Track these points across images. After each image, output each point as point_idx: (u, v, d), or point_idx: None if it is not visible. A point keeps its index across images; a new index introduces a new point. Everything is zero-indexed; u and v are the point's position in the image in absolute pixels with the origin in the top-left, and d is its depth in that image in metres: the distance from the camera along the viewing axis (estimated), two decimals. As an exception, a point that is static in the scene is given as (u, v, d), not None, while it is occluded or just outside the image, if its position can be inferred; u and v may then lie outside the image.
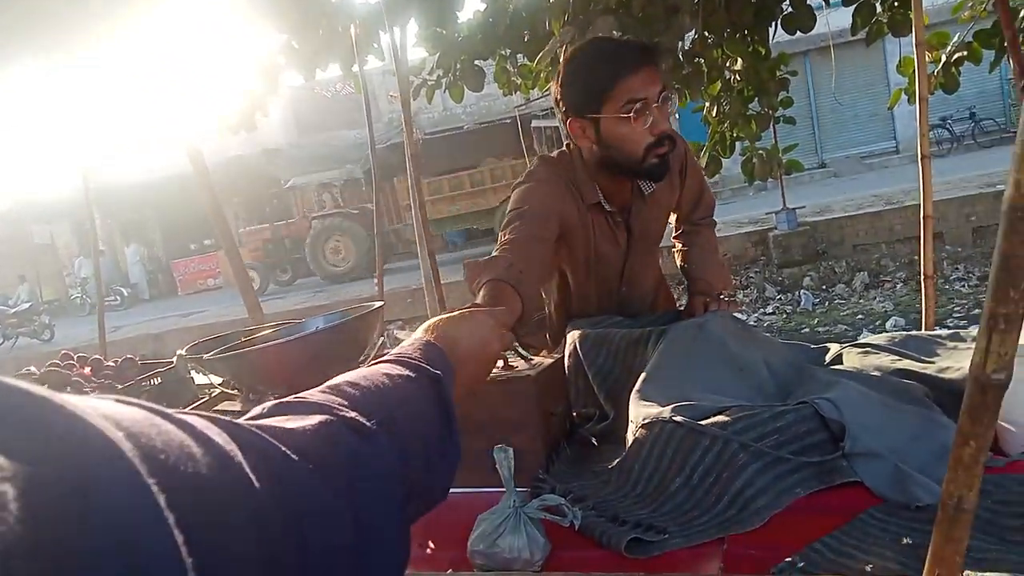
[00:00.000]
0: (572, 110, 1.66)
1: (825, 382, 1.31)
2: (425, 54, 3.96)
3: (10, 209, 19.18)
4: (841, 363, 1.51)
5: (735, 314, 1.70)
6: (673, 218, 2.09)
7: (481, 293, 1.42)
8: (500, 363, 1.45)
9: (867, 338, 1.63)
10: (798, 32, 3.55)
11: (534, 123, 15.02)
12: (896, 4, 3.42)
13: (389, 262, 16.43)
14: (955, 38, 3.60)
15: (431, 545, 1.23)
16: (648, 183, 1.76)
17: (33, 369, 2.43)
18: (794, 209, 10.79)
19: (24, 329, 16.14)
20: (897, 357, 1.45)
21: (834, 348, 1.61)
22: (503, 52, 4.08)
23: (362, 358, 1.72)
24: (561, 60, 1.76)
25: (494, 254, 1.57)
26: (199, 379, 2.49)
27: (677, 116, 4.46)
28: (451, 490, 1.37)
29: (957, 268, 9.16)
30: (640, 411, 1.28)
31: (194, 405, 2.22)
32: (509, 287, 1.42)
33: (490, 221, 15.05)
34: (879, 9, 3.49)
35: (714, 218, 2.11)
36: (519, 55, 3.96)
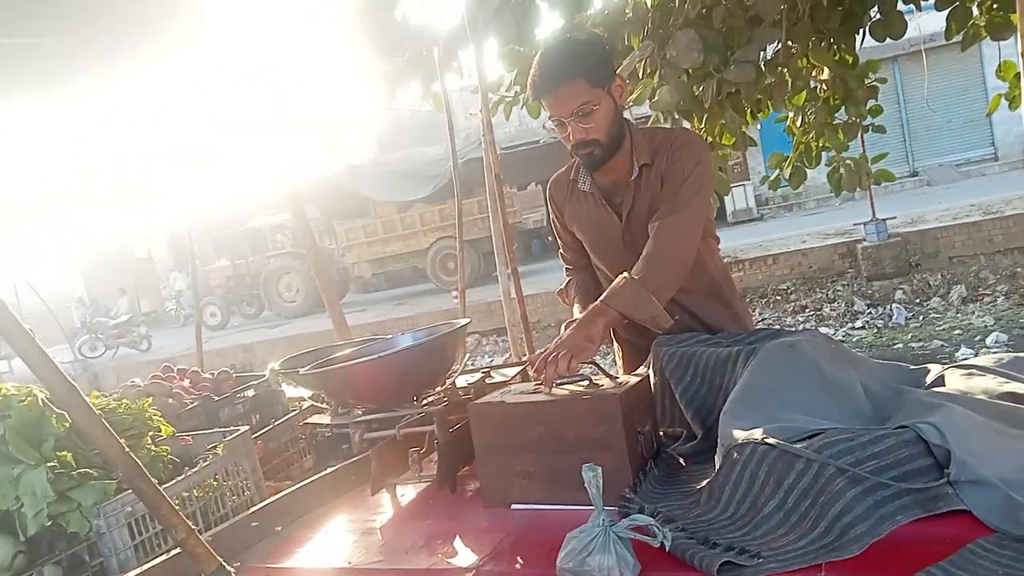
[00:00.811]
0: None
1: (927, 405, 1.26)
2: (503, 71, 4.01)
3: (114, 226, 20.34)
4: (943, 385, 1.45)
5: (824, 331, 1.65)
6: None
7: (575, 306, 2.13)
8: (585, 382, 1.48)
9: (970, 359, 1.56)
10: (887, 39, 3.44)
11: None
12: (995, 6, 3.27)
13: (342, 298, 16.82)
14: (1061, 39, 3.40)
15: (520, 561, 1.24)
16: (635, 167, 1.90)
17: (137, 381, 2.57)
18: (884, 220, 10.38)
19: (124, 340, 17.06)
20: (1005, 379, 1.38)
21: (935, 369, 1.54)
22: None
23: (448, 375, 1.76)
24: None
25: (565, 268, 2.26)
26: (290, 391, 2.58)
27: (759, 127, 4.35)
28: (539, 507, 1.40)
29: (1065, 281, 8.62)
30: (731, 432, 1.26)
31: (286, 417, 2.31)
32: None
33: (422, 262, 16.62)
34: (976, 12, 3.34)
35: (669, 246, 1.79)
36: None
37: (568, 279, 2.24)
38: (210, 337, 14.74)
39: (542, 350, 1.61)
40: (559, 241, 2.22)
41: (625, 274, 1.77)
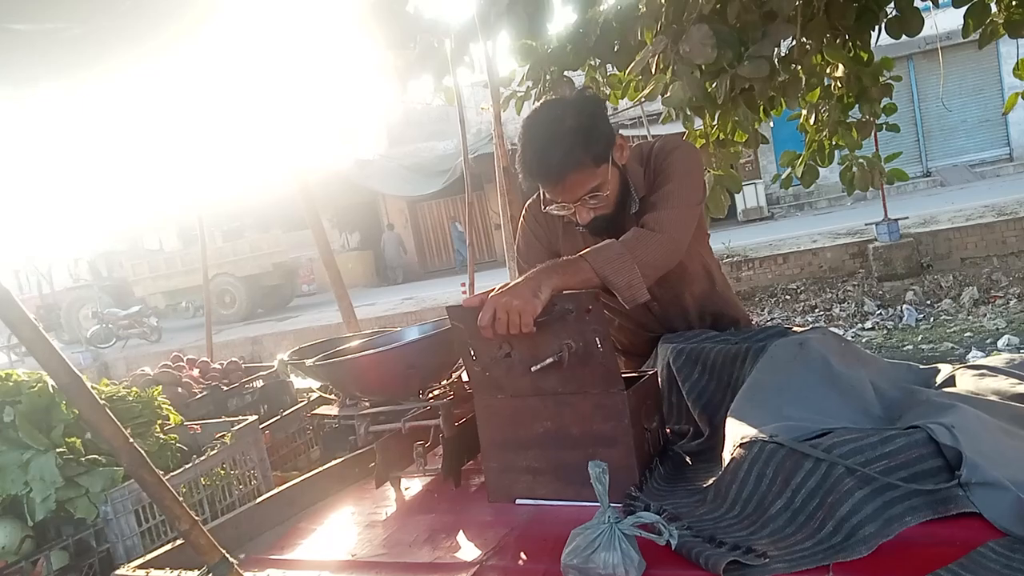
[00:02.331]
0: None
1: (938, 406, 1.24)
2: (515, 66, 4.00)
3: (125, 219, 20.55)
4: (954, 385, 1.43)
5: (834, 331, 1.62)
6: None
7: None
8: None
9: (981, 359, 1.54)
10: (903, 36, 3.40)
11: (621, 132, 14.94)
12: (1014, 3, 3.23)
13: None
14: (1081, 38, 3.36)
15: (524, 557, 1.23)
16: (635, 202, 1.77)
17: (147, 369, 2.58)
18: (896, 220, 10.32)
19: (134, 331, 17.17)
20: (1017, 380, 1.37)
21: (945, 369, 1.53)
22: (593, 62, 4.07)
23: (455, 369, 1.75)
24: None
25: None
26: (298, 383, 2.59)
27: (771, 124, 4.32)
28: (544, 502, 1.39)
29: (1079, 284, 8.54)
30: (738, 430, 1.25)
31: (293, 408, 2.31)
32: None
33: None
34: (994, 9, 3.30)
35: (657, 230, 1.68)
36: (608, 65, 3.93)
37: None
38: (219, 329, 14.82)
39: (485, 291, 1.43)
40: (524, 269, 1.90)
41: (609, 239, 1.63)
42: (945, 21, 4.12)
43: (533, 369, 1.36)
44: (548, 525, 1.32)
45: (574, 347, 1.35)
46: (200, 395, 2.30)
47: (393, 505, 1.57)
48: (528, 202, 2.02)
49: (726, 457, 1.25)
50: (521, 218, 2.03)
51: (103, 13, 2.00)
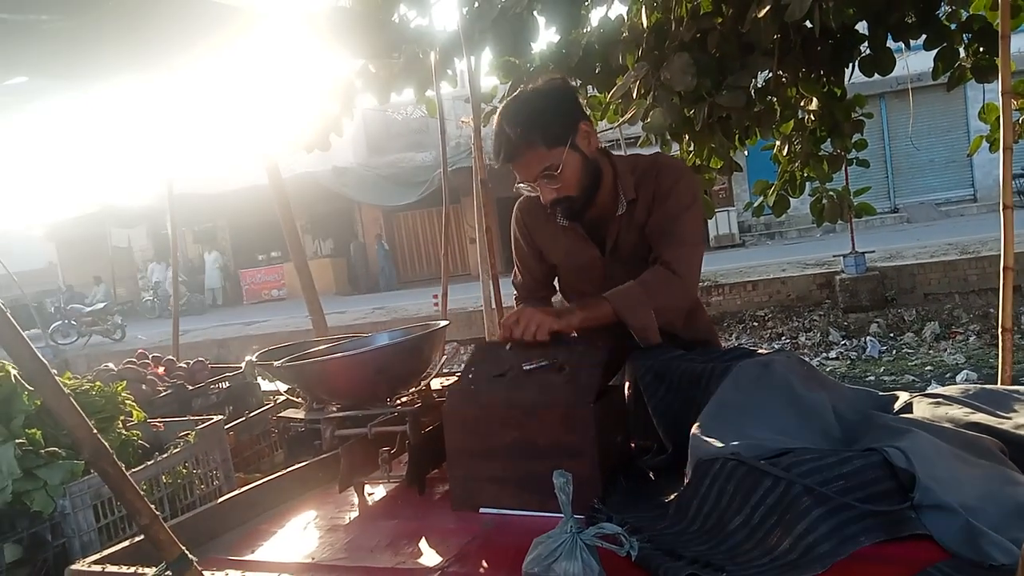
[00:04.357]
0: None
1: (895, 430, 1.28)
2: (497, 82, 4.03)
3: (92, 213, 20.12)
4: (911, 412, 1.47)
5: (801, 357, 1.67)
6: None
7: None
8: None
9: (938, 389, 1.59)
10: (876, 75, 3.50)
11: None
12: (981, 49, 3.34)
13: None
14: (1043, 86, 3.49)
15: (485, 564, 1.24)
16: (622, 203, 1.87)
17: (111, 366, 2.54)
18: (863, 253, 10.54)
19: (97, 328, 16.86)
20: (971, 410, 1.41)
21: (903, 396, 1.57)
22: (574, 82, 4.12)
23: (425, 375, 1.76)
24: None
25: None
26: (265, 385, 2.57)
27: (746, 154, 4.41)
28: (507, 512, 1.40)
29: (1035, 323, 8.77)
30: (701, 447, 1.28)
31: (259, 410, 2.30)
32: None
33: None
34: (963, 54, 3.41)
35: (679, 272, 1.79)
36: (589, 86, 3.99)
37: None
38: (185, 331, 14.60)
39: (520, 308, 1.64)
40: (519, 268, 2.15)
41: (632, 281, 1.78)
42: (916, 63, 4.26)
43: (525, 367, 1.49)
44: (511, 534, 1.33)
45: (565, 369, 1.46)
46: (164, 393, 2.28)
47: (356, 510, 1.57)
48: (518, 201, 2.10)
49: (688, 473, 1.27)
50: (512, 219, 2.13)
51: (93, 10, 2.00)
